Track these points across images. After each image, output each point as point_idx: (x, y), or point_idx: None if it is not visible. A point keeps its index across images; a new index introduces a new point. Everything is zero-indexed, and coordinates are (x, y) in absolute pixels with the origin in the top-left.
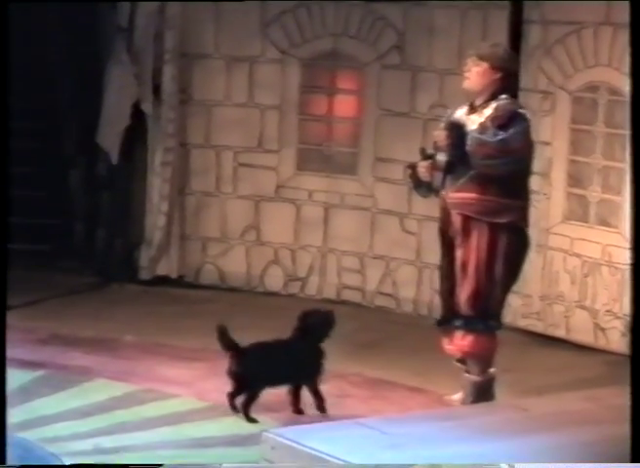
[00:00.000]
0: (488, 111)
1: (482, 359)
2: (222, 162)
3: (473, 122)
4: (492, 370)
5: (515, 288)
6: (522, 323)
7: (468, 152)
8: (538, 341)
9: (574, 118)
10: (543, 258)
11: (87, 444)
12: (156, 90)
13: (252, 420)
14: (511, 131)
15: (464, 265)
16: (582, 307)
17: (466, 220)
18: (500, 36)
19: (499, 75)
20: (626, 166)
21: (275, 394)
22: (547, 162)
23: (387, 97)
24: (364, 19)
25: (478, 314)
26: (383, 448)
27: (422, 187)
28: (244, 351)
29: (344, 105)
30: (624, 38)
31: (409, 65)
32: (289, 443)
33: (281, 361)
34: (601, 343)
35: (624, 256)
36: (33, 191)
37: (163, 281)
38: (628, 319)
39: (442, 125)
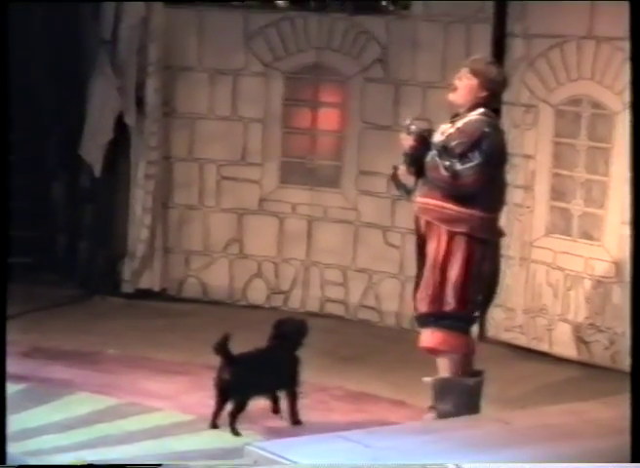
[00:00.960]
0: (459, 123)
1: (444, 355)
2: (206, 175)
3: (443, 132)
4: (474, 377)
5: (498, 301)
6: (505, 336)
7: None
8: (520, 354)
9: (557, 131)
10: (526, 272)
11: (69, 457)
12: (139, 102)
13: (236, 433)
14: (467, 165)
15: (430, 269)
16: (565, 320)
17: (429, 225)
18: (484, 50)
19: (485, 94)
20: (609, 180)
21: (257, 406)
22: (530, 175)
23: (370, 111)
24: (347, 32)
25: (430, 313)
26: (366, 461)
27: (401, 188)
28: (235, 360)
29: (328, 118)
30: (607, 52)
31: (392, 79)
32: (272, 456)
33: (264, 370)
34: (584, 356)
35: (607, 270)
36: (15, 203)
37: (146, 294)
38: (611, 332)
39: (411, 127)
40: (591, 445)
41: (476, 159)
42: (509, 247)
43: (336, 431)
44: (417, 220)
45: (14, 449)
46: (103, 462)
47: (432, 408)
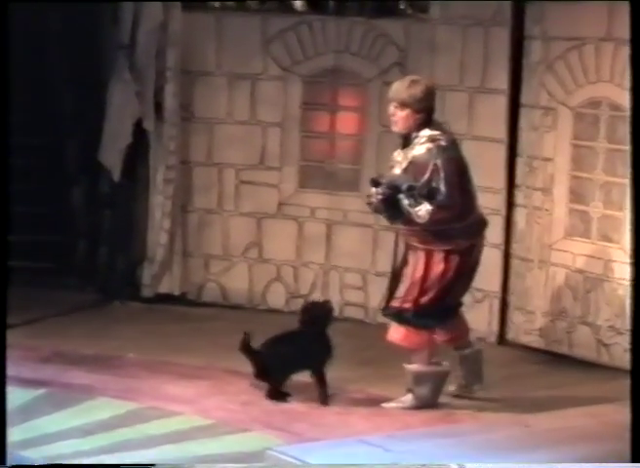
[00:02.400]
0: (410, 155)
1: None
2: (224, 179)
3: (400, 163)
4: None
5: (518, 304)
6: (524, 339)
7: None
8: (540, 357)
9: (575, 134)
10: (546, 274)
11: (90, 462)
12: (158, 107)
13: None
14: (439, 200)
15: (414, 273)
16: (585, 323)
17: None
18: (502, 52)
19: (421, 115)
20: (628, 181)
21: (278, 410)
22: (549, 178)
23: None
24: (366, 35)
25: (412, 310)
26: (387, 465)
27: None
28: (258, 352)
29: (346, 122)
30: (626, 54)
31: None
32: (292, 460)
33: (293, 350)
34: (604, 359)
35: (626, 272)
36: (35, 208)
37: (165, 298)
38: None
39: (380, 180)
40: (612, 447)
41: (441, 192)
42: (529, 250)
43: (356, 435)
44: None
45: (33, 455)
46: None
47: (410, 390)
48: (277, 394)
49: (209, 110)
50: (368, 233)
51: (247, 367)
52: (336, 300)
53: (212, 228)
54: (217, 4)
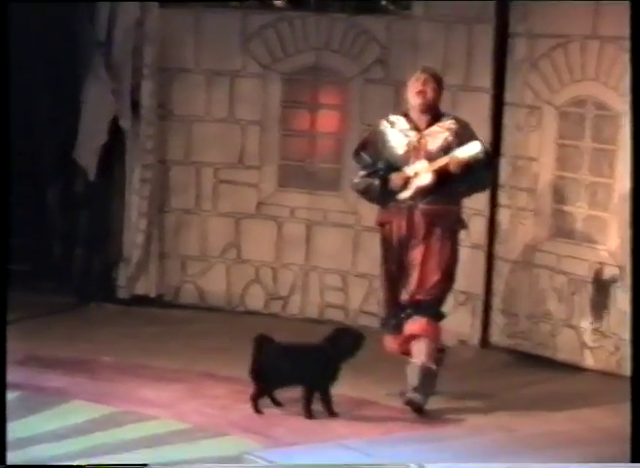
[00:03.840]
0: (448, 123)
1: (432, 342)
2: (202, 179)
3: (435, 135)
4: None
5: (502, 306)
6: (508, 342)
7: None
8: (524, 361)
9: (561, 133)
10: (529, 276)
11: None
12: (135, 105)
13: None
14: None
15: (424, 262)
16: (570, 326)
17: (430, 226)
18: (486, 50)
19: (440, 92)
20: (614, 182)
21: (256, 416)
22: (534, 178)
23: (370, 112)
24: (347, 32)
25: (434, 301)
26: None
27: (378, 195)
28: (264, 354)
29: (327, 121)
30: (612, 52)
31: (392, 80)
32: (271, 465)
33: (300, 364)
34: (588, 363)
35: (612, 274)
36: (10, 210)
37: (142, 300)
38: (617, 337)
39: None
40: (597, 452)
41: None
42: (512, 251)
43: (336, 439)
44: (408, 223)
45: (8, 459)
46: None
47: (415, 389)
48: (258, 400)
49: (187, 108)
50: (349, 234)
51: (224, 370)
52: (316, 302)
53: (189, 229)
54: None
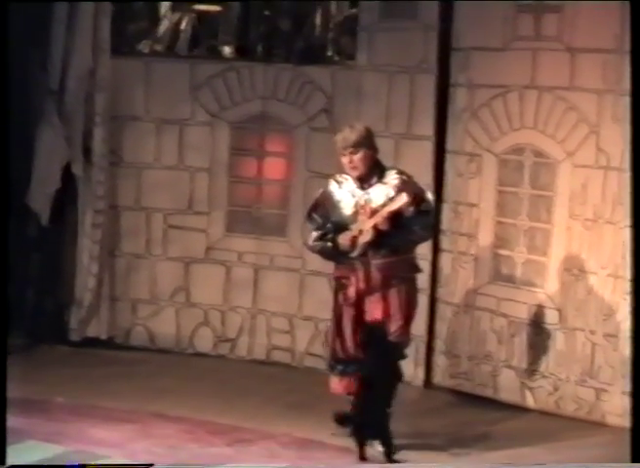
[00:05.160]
0: (391, 178)
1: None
2: (152, 224)
3: (378, 193)
4: None
5: (444, 348)
6: (450, 382)
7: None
8: (465, 401)
9: (500, 180)
10: (471, 319)
11: None
12: (87, 152)
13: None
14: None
15: (386, 312)
16: (509, 367)
17: (386, 279)
18: (428, 99)
19: (373, 152)
20: (551, 227)
21: (206, 455)
22: (474, 223)
23: (316, 160)
24: (293, 82)
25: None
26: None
27: (332, 256)
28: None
29: (274, 168)
30: (549, 101)
31: (337, 128)
32: None
33: None
34: (528, 402)
35: (550, 316)
36: None
37: (93, 342)
38: (555, 378)
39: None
40: None
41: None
42: (454, 294)
43: None
44: (367, 279)
45: None
46: None
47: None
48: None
49: (137, 155)
50: (294, 277)
51: (174, 410)
52: (263, 344)
53: (139, 272)
54: (146, 50)
